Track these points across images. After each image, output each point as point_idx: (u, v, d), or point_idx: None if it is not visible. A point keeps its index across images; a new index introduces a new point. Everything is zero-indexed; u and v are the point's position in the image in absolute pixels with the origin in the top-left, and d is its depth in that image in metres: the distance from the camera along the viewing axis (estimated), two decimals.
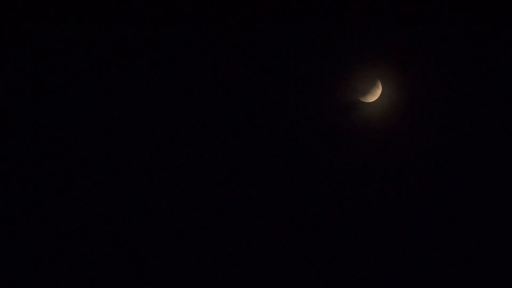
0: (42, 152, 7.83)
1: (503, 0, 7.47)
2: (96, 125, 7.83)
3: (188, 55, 7.79)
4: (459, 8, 7.54)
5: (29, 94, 7.73)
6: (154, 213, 8.04)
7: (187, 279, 8.03)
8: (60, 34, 7.62)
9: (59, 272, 7.89)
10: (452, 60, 7.70)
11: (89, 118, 7.82)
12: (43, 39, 7.62)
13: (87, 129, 7.82)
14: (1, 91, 7.70)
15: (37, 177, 7.84)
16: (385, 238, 8.06)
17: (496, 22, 7.52)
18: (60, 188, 7.87)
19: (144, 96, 7.86)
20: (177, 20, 7.67)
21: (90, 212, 7.94)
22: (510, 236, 7.96)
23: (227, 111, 7.88)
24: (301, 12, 7.62)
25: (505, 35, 7.55)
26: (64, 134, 7.81)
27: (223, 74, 7.79)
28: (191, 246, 8.05)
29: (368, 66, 7.80)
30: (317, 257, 8.07)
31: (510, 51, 7.59)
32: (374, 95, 7.91)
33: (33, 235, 7.88)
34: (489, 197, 7.88)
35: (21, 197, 7.83)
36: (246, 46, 7.69)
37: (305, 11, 7.62)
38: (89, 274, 7.93)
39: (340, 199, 8.07)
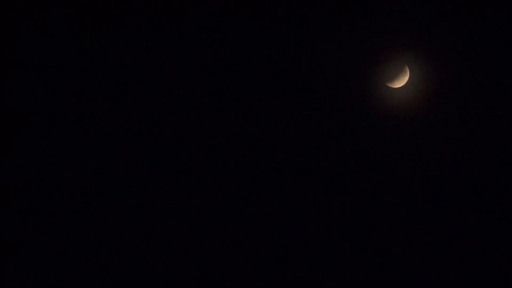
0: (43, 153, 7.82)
1: None
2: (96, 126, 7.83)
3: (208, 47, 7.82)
4: None
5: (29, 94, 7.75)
6: (155, 214, 7.97)
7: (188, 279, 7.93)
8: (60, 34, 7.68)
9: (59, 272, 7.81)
10: (482, 46, 7.62)
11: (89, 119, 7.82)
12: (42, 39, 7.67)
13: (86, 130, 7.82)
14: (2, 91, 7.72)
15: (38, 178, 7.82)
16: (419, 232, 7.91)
17: None
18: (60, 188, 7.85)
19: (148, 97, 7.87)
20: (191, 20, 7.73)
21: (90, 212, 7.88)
22: None
23: (256, 91, 7.87)
24: None
25: None
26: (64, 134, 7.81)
27: (250, 53, 7.81)
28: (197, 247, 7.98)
29: (396, 52, 7.76)
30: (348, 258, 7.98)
31: None
32: (402, 81, 7.85)
33: (33, 235, 7.81)
34: None
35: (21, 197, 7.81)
36: (271, 28, 7.72)
37: None
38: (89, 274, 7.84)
39: (366, 187, 7.96)
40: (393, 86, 7.85)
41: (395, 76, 7.82)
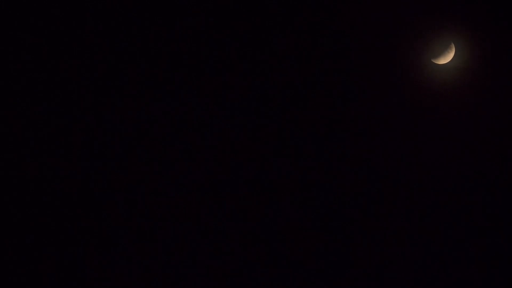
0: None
1: None
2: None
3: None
4: None
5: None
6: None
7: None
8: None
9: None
10: None
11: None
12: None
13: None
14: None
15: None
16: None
17: None
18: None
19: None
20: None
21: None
22: None
23: (298, 73, 7.70)
24: None
25: None
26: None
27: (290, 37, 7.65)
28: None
29: (442, 27, 7.62)
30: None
31: None
32: (447, 57, 7.68)
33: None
34: None
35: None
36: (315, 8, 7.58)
37: None
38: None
39: (410, 167, 7.73)
40: (438, 63, 7.69)
41: (441, 52, 7.66)
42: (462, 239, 7.67)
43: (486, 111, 7.67)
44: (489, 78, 7.62)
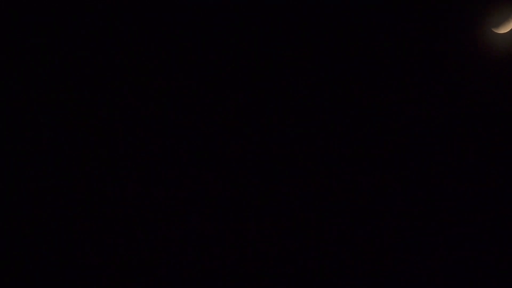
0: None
1: None
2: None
3: None
4: None
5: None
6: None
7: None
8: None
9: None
10: None
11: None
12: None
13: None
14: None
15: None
16: None
17: None
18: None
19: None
20: None
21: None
22: None
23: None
24: None
25: None
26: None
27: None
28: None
29: None
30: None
31: None
32: (508, 26, 7.64)
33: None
34: None
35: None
36: None
37: None
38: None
39: (471, 142, 7.64)
40: (498, 32, 7.63)
41: (501, 21, 7.60)
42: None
43: None
44: None
